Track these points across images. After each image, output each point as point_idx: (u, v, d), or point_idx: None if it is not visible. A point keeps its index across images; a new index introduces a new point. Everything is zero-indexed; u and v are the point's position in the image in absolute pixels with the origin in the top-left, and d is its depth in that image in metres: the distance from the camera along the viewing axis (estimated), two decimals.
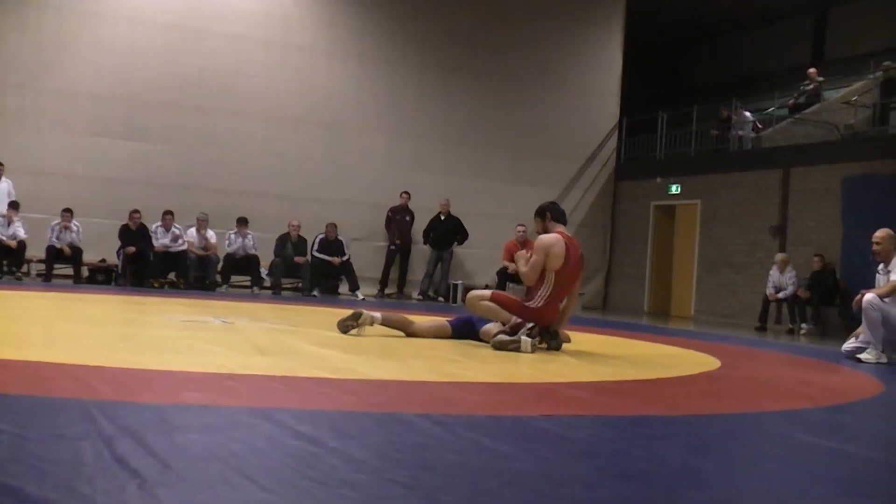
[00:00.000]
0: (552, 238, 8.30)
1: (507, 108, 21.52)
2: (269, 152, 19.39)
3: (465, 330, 8.53)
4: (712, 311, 20.07)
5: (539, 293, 8.17)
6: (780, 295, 17.06)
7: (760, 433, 4.62)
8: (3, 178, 16.99)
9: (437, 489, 2.82)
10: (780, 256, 17.50)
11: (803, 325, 16.63)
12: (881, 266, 10.01)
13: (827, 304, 16.80)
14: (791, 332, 16.60)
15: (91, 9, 18.23)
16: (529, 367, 6.66)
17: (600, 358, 7.55)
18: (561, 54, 22.20)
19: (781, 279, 17.15)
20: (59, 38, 17.96)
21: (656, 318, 19.42)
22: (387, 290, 19.27)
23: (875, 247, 9.95)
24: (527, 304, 8.17)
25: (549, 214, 8.52)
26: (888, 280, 9.71)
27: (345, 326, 8.23)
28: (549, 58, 22.04)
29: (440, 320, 8.88)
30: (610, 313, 19.52)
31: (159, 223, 17.24)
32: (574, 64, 22.48)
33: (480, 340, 8.23)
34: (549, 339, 8.15)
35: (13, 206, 16.39)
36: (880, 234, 9.96)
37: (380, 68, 20.58)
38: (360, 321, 8.24)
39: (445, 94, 21.10)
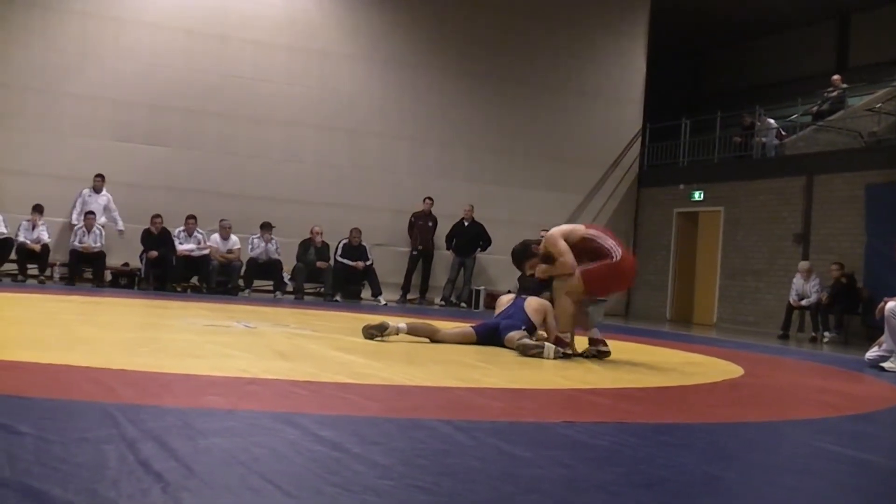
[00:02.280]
0: (554, 230, 8.29)
1: (530, 115, 21.52)
2: (291, 158, 19.45)
3: (490, 336, 8.52)
4: (735, 319, 20.00)
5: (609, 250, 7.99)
6: (804, 302, 17.00)
7: (782, 442, 4.60)
8: (104, 191, 17.27)
9: (458, 495, 2.82)
10: (804, 265, 17.42)
11: (826, 333, 16.54)
12: None
13: (850, 313, 16.71)
14: (814, 340, 16.52)
15: (114, 14, 18.34)
16: (551, 374, 6.65)
17: (622, 365, 7.53)
18: (584, 61, 22.19)
19: (805, 287, 17.08)
20: (82, 43, 18.08)
21: (678, 326, 19.36)
22: (409, 296, 19.30)
23: None
24: (613, 260, 7.96)
25: (536, 245, 8.45)
26: None
27: (369, 335, 8.22)
28: (573, 64, 22.04)
29: (465, 327, 8.86)
30: (632, 320, 19.47)
31: (182, 228, 17.32)
32: (597, 70, 22.46)
33: (504, 347, 8.23)
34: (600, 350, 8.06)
35: (37, 209, 16.52)
36: None
37: (403, 74, 20.61)
38: (385, 333, 8.23)
39: (469, 100, 21.12)
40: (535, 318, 8.64)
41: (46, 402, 3.91)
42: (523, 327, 8.44)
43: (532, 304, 8.83)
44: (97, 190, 17.36)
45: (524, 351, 7.67)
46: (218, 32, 19.07)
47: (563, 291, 7.88)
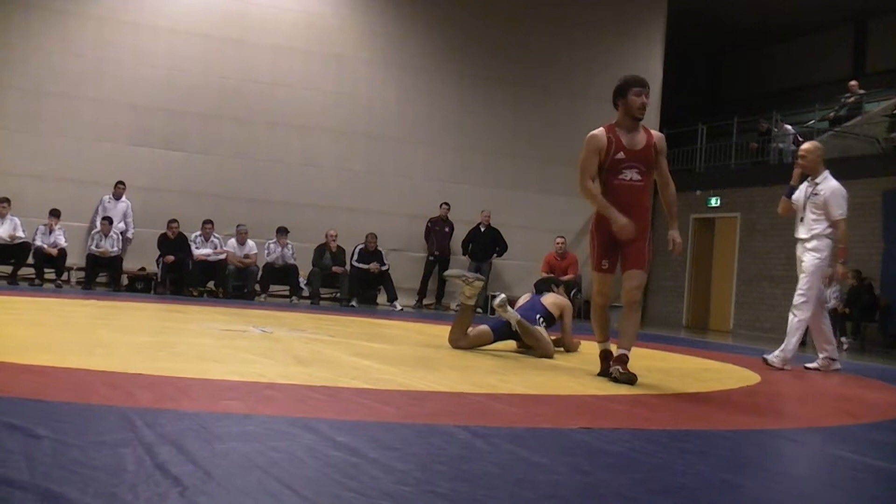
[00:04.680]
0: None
1: (546, 120, 21.50)
2: (307, 162, 19.48)
3: (505, 331, 8.52)
4: (751, 325, 19.95)
5: None
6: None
7: (800, 449, 4.58)
8: (124, 198, 17.33)
9: (476, 501, 2.82)
10: (827, 270, 17.31)
11: (843, 340, 16.48)
12: (808, 178, 9.77)
13: (867, 320, 16.64)
14: None
15: (132, 20, 18.42)
16: (568, 379, 6.63)
17: (639, 371, 7.51)
18: (601, 66, 22.12)
19: (826, 292, 17.00)
20: (100, 48, 18.17)
21: (695, 332, 19.31)
22: (425, 301, 19.29)
23: (800, 161, 9.72)
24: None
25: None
26: (816, 197, 9.51)
27: (459, 275, 8.82)
28: (590, 69, 21.99)
29: (480, 327, 8.81)
30: (648, 326, 19.41)
31: (199, 232, 17.36)
32: (614, 75, 22.11)
33: (521, 341, 8.30)
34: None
35: (54, 213, 16.59)
36: (807, 146, 9.76)
37: (420, 79, 20.63)
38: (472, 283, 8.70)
39: (485, 105, 21.13)
40: (554, 311, 8.76)
41: (64, 406, 3.91)
42: (539, 316, 8.52)
43: (549, 298, 9.04)
44: (117, 197, 17.43)
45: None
46: (235, 37, 19.13)
47: (639, 296, 6.93)
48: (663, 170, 7.07)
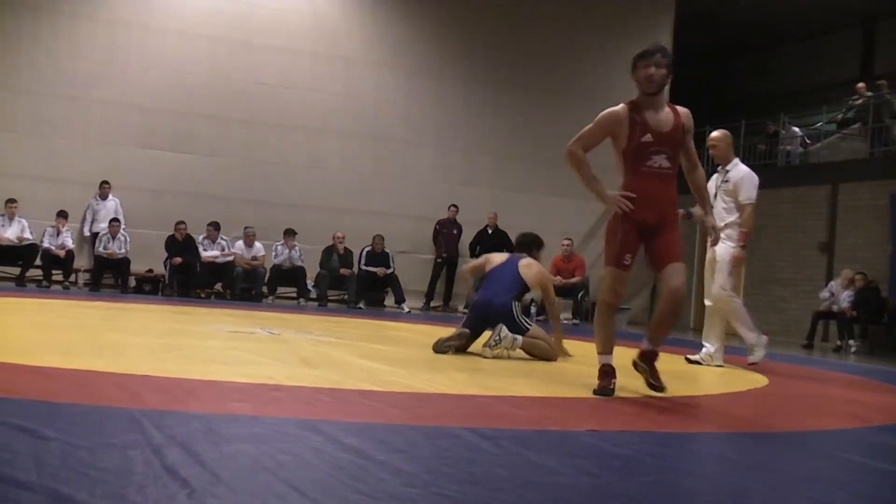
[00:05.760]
0: None
1: (553, 122, 21.40)
2: (315, 164, 19.48)
3: (481, 318, 8.32)
4: (759, 328, 19.91)
5: None
6: (834, 308, 16.92)
7: (808, 452, 4.56)
8: (111, 196, 17.34)
9: (484, 503, 2.82)
10: (847, 273, 17.30)
11: (851, 343, 16.46)
12: (719, 167, 9.71)
13: (875, 323, 16.61)
14: (838, 349, 16.43)
15: (140, 22, 18.43)
16: (575, 382, 6.62)
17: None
18: (609, 68, 22.05)
19: (842, 294, 16.97)
20: (109, 50, 18.18)
21: (702, 334, 19.25)
22: (432, 303, 19.27)
23: (711, 150, 9.79)
24: None
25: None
26: (727, 184, 9.50)
27: (446, 346, 8.08)
28: (597, 72, 21.95)
29: (457, 329, 8.43)
30: None
31: (206, 234, 17.36)
32: (622, 78, 22.22)
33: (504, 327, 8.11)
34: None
35: (62, 215, 16.61)
36: (715, 134, 9.81)
37: (427, 81, 20.62)
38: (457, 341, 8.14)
39: (492, 107, 21.11)
40: (532, 284, 8.50)
41: (73, 408, 3.93)
42: (512, 294, 8.30)
43: (533, 268, 8.58)
44: (104, 197, 17.43)
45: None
46: (243, 39, 19.14)
47: (685, 292, 5.99)
48: (691, 151, 6.40)
